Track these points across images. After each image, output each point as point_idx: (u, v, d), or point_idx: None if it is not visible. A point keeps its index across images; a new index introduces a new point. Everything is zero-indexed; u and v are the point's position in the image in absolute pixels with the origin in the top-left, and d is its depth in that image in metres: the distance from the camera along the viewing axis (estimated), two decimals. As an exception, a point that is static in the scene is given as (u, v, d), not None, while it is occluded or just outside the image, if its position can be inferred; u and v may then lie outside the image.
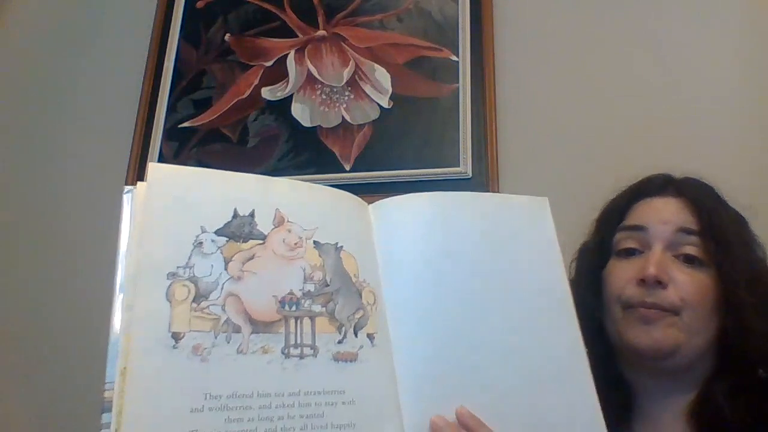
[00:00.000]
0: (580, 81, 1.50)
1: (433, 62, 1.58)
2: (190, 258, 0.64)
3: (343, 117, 1.59)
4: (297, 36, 1.69)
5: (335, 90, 1.61)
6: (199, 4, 1.77)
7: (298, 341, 0.66)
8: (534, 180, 1.44)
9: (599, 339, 0.92)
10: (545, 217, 0.84)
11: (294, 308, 0.67)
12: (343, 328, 0.68)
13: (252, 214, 0.69)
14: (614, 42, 1.51)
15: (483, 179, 1.45)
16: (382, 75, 1.60)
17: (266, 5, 1.73)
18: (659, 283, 0.86)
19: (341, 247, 0.72)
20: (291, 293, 0.67)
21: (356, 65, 1.62)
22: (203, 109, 1.67)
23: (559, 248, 0.82)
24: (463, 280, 0.76)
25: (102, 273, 1.58)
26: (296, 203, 0.73)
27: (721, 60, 1.44)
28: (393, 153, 1.53)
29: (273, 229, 0.69)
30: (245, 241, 0.68)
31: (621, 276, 0.92)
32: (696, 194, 0.94)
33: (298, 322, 0.66)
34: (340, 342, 0.68)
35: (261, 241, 0.68)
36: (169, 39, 1.75)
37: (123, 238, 0.64)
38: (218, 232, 0.67)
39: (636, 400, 0.92)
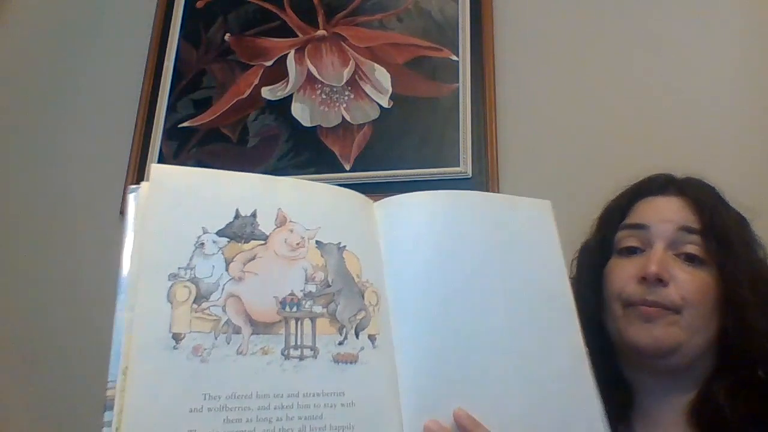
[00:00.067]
0: (580, 81, 1.50)
1: (433, 62, 1.58)
2: (191, 259, 0.65)
3: (343, 117, 1.59)
4: (297, 36, 1.69)
5: (335, 90, 1.61)
6: (199, 4, 1.77)
7: (298, 342, 0.66)
8: (534, 180, 1.44)
9: (599, 337, 0.92)
10: (548, 220, 0.84)
11: (295, 309, 0.67)
12: (344, 330, 0.68)
13: (254, 215, 0.69)
14: (614, 42, 1.51)
15: (483, 179, 1.45)
16: (382, 75, 1.60)
17: (266, 5, 1.73)
18: (660, 282, 0.87)
19: (344, 246, 0.72)
20: (292, 294, 0.67)
21: (356, 65, 1.62)
22: (203, 108, 1.67)
23: (562, 251, 0.82)
24: (467, 281, 0.76)
25: (102, 272, 1.59)
26: (299, 203, 0.73)
27: (721, 60, 1.44)
28: (393, 153, 1.53)
29: (275, 229, 0.70)
30: (247, 241, 0.68)
31: (622, 274, 0.92)
32: (698, 194, 0.94)
33: (299, 323, 0.66)
34: (340, 343, 0.68)
35: (263, 242, 0.68)
36: (169, 39, 1.75)
37: (128, 237, 0.65)
38: (220, 233, 0.67)
39: (636, 399, 0.92)
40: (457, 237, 0.78)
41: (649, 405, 0.92)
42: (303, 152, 1.58)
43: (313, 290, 0.69)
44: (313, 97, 1.62)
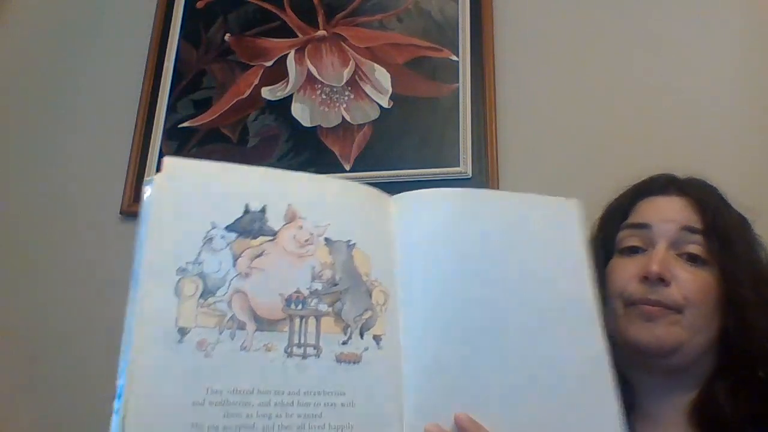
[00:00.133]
0: (580, 81, 1.50)
1: (433, 62, 1.58)
2: (199, 254, 0.65)
3: (343, 117, 1.58)
4: (297, 36, 1.68)
5: (335, 90, 1.61)
6: (199, 4, 1.77)
7: (302, 341, 0.66)
8: (534, 180, 1.44)
9: None
10: (575, 220, 0.81)
11: (300, 307, 0.67)
12: (349, 329, 0.68)
13: (263, 210, 0.69)
14: (614, 42, 1.51)
15: (483, 179, 1.45)
16: (382, 75, 1.60)
17: (266, 5, 1.72)
18: (662, 281, 0.87)
19: (354, 244, 0.72)
20: (298, 291, 0.67)
21: (356, 65, 1.62)
22: (203, 109, 1.67)
23: (587, 253, 0.79)
24: (482, 283, 0.74)
25: (102, 272, 1.59)
26: (310, 198, 0.72)
27: (721, 60, 1.45)
28: (393, 153, 1.53)
29: (284, 225, 0.69)
30: (255, 237, 0.68)
31: (624, 273, 0.92)
32: (700, 194, 0.94)
33: (303, 321, 0.66)
34: (344, 343, 0.67)
35: (271, 238, 0.68)
36: (169, 39, 1.74)
37: (142, 229, 0.65)
38: (228, 228, 0.67)
39: (636, 399, 0.92)
40: (475, 237, 0.76)
41: (650, 404, 0.92)
42: (303, 152, 1.58)
43: (320, 288, 0.68)
44: (313, 97, 1.62)
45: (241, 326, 0.64)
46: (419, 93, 1.56)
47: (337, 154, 1.56)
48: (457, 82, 1.54)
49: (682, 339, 0.86)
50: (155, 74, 1.72)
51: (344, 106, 1.59)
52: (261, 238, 0.68)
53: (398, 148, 1.53)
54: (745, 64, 1.42)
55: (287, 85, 1.64)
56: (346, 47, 1.64)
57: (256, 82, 1.66)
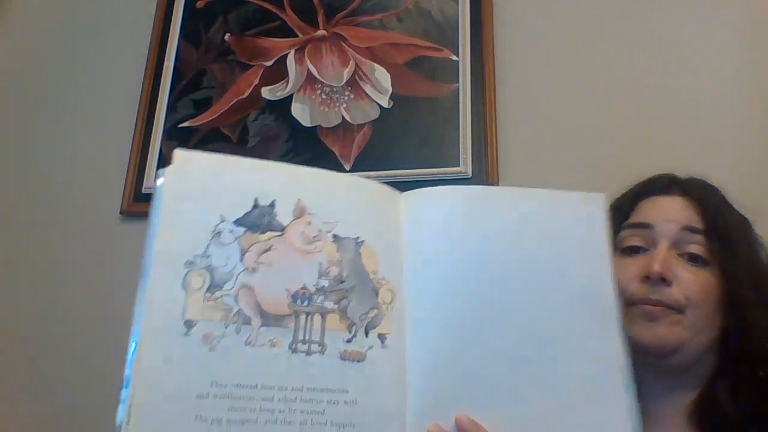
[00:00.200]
0: (580, 81, 1.51)
1: (433, 62, 1.58)
2: (208, 247, 0.65)
3: (343, 117, 1.59)
4: (297, 36, 1.69)
5: (335, 90, 1.61)
6: (199, 4, 1.77)
7: (307, 337, 0.66)
8: (534, 180, 1.44)
9: None
10: (596, 217, 0.77)
11: (306, 303, 0.67)
12: (354, 327, 0.68)
13: (272, 205, 0.69)
14: (614, 42, 1.52)
15: (483, 179, 1.45)
16: (382, 75, 1.60)
17: (266, 5, 1.73)
18: (664, 281, 0.87)
19: (362, 241, 0.72)
20: (304, 288, 0.68)
21: (356, 65, 1.62)
22: (203, 108, 1.67)
23: (609, 251, 0.76)
24: (491, 283, 0.73)
25: (102, 272, 1.59)
26: (319, 194, 0.72)
27: (721, 60, 1.45)
28: (393, 153, 1.53)
29: (292, 220, 0.69)
30: (263, 232, 0.68)
31: (625, 273, 0.91)
32: (701, 194, 0.94)
33: (309, 317, 0.67)
34: (348, 341, 0.68)
35: (279, 233, 0.69)
36: (169, 39, 1.74)
37: (153, 221, 0.65)
38: (237, 222, 0.67)
39: (637, 398, 0.92)
40: (485, 236, 0.75)
41: (650, 404, 0.91)
42: (303, 152, 1.58)
43: (326, 285, 0.68)
44: (313, 97, 1.62)
45: (247, 321, 0.64)
46: (419, 93, 1.56)
47: (337, 154, 1.56)
48: (457, 82, 1.54)
49: (684, 339, 0.86)
50: (155, 74, 1.72)
51: (344, 106, 1.59)
52: (269, 233, 0.68)
53: (398, 148, 1.53)
54: (745, 64, 1.43)
55: (287, 85, 1.64)
56: (346, 47, 1.64)
57: (256, 81, 1.66)
